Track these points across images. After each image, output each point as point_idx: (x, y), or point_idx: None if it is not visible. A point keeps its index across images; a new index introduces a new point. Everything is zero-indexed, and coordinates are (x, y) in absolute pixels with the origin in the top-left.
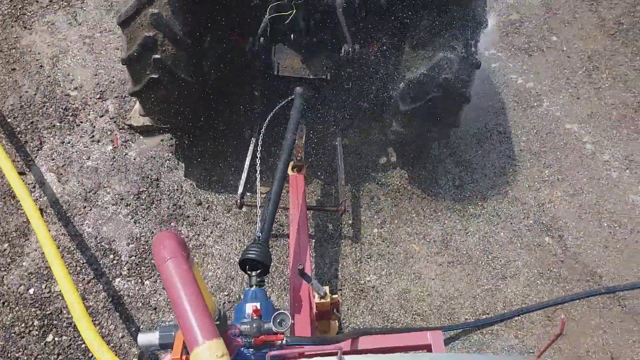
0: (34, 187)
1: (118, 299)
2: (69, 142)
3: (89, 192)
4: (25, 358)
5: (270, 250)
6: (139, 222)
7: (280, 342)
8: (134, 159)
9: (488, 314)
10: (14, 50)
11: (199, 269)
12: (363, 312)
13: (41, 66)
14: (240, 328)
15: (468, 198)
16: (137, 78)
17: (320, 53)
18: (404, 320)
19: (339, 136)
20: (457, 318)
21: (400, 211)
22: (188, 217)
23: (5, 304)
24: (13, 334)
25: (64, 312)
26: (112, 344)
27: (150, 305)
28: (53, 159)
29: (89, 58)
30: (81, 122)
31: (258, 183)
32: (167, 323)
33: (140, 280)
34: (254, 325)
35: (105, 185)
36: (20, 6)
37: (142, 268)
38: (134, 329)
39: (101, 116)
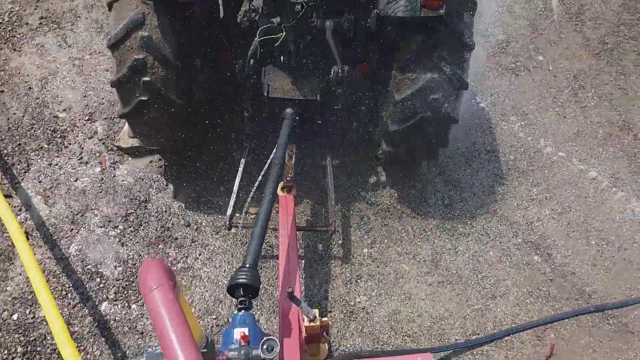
0: (20, 209)
1: (104, 324)
2: (56, 164)
3: (77, 214)
4: None
5: (259, 272)
6: (126, 245)
7: None
8: (123, 181)
9: (478, 334)
10: (2, 72)
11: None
12: (353, 334)
13: (30, 88)
14: (227, 355)
15: (457, 217)
16: (126, 100)
17: (310, 75)
18: (395, 342)
19: (328, 156)
20: (447, 339)
21: (390, 230)
22: (176, 239)
23: None
24: None
25: (48, 337)
26: None
27: (137, 330)
28: (40, 181)
29: (78, 80)
30: (69, 144)
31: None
32: (154, 349)
33: (127, 304)
34: (242, 351)
35: (93, 207)
36: (9, 28)
37: (129, 292)
38: (120, 355)
39: (90, 138)
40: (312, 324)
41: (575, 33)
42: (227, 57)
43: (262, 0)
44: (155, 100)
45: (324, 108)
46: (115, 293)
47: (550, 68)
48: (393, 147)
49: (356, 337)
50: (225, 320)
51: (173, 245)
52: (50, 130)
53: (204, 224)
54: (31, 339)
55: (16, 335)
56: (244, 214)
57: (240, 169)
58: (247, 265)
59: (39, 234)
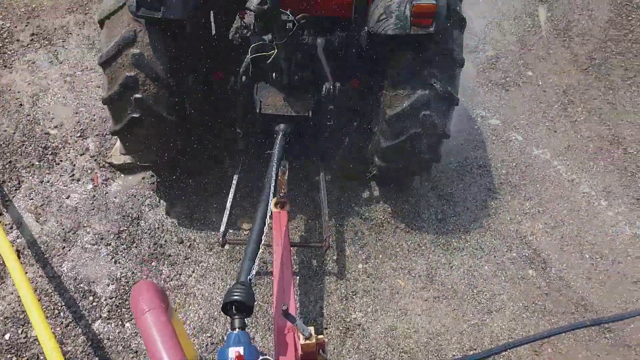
0: (11, 227)
1: (97, 343)
2: (48, 181)
3: (68, 232)
4: None
5: (253, 289)
6: (119, 262)
7: None
8: (115, 198)
9: (475, 349)
10: None
11: (178, 316)
12: (350, 352)
13: (21, 105)
14: None
15: (451, 231)
16: (118, 117)
17: (302, 91)
18: (392, 359)
19: (321, 171)
20: (444, 354)
21: (385, 245)
22: (169, 256)
23: None
24: None
25: (41, 357)
26: None
27: (131, 349)
28: (31, 199)
29: (69, 96)
30: (61, 161)
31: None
32: None
33: (120, 323)
34: None
35: (85, 225)
36: (0, 45)
37: (123, 310)
38: None
39: (81, 154)
40: (307, 341)
41: (563, 49)
42: (219, 74)
43: (254, 17)
44: (147, 117)
45: (317, 124)
46: (108, 311)
47: (540, 83)
48: (386, 162)
49: (353, 354)
50: (220, 338)
51: (166, 262)
52: (41, 147)
53: (197, 240)
54: (24, 359)
55: (8, 356)
56: (237, 230)
57: (234, 185)
58: (241, 283)
59: (30, 252)
